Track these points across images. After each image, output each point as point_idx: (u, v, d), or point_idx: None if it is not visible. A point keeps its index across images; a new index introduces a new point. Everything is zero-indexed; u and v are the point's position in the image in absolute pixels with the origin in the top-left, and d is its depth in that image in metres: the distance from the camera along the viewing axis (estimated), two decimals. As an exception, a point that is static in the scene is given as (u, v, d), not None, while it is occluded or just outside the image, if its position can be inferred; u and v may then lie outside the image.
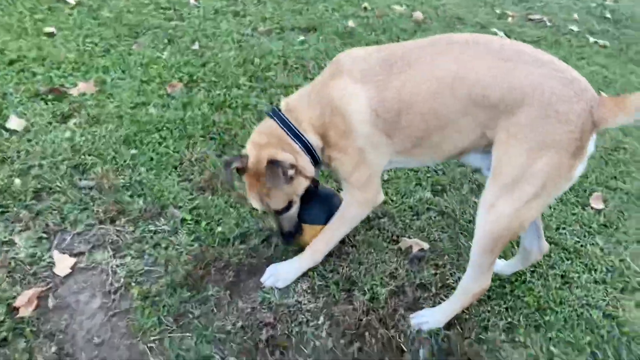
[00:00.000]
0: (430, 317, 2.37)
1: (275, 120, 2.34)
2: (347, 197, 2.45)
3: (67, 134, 3.31)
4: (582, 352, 2.33)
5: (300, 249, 2.59)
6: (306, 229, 2.56)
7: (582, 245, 2.95)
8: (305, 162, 2.33)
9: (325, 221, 2.53)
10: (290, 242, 2.58)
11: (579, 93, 1.89)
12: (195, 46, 4.70)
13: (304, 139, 2.30)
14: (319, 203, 2.58)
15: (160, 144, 3.34)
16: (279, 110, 2.37)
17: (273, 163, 2.20)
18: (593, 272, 2.77)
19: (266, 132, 2.34)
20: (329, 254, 2.63)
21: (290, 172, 2.26)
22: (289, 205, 2.41)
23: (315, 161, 2.37)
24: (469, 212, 3.12)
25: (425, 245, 2.81)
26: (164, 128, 3.49)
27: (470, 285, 2.27)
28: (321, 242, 2.53)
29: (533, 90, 1.90)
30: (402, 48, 2.18)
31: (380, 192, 2.46)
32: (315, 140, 2.31)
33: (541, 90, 1.89)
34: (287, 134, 2.31)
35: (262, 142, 2.32)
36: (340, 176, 2.42)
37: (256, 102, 3.91)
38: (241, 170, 2.35)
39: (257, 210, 2.55)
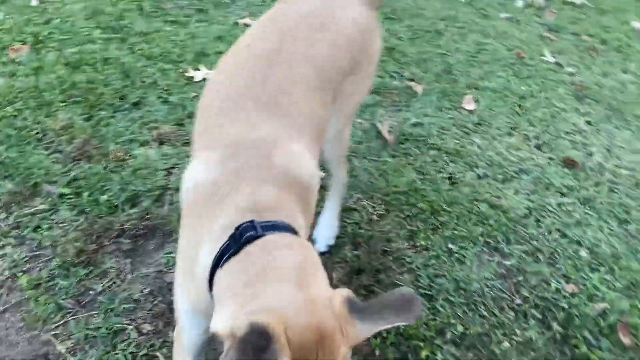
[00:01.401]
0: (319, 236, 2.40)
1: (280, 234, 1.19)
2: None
3: None
4: (476, 243, 2.52)
5: None
6: None
7: (462, 146, 3.14)
8: None
9: None
10: None
11: None
12: (34, 2, 4.17)
13: None
14: None
15: (15, 117, 2.98)
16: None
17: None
18: (475, 169, 2.97)
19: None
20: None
21: None
22: None
23: None
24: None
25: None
26: (17, 99, 3.11)
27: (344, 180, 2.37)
28: None
29: None
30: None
31: None
32: None
33: None
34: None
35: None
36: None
37: (117, 54, 3.60)
38: None
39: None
